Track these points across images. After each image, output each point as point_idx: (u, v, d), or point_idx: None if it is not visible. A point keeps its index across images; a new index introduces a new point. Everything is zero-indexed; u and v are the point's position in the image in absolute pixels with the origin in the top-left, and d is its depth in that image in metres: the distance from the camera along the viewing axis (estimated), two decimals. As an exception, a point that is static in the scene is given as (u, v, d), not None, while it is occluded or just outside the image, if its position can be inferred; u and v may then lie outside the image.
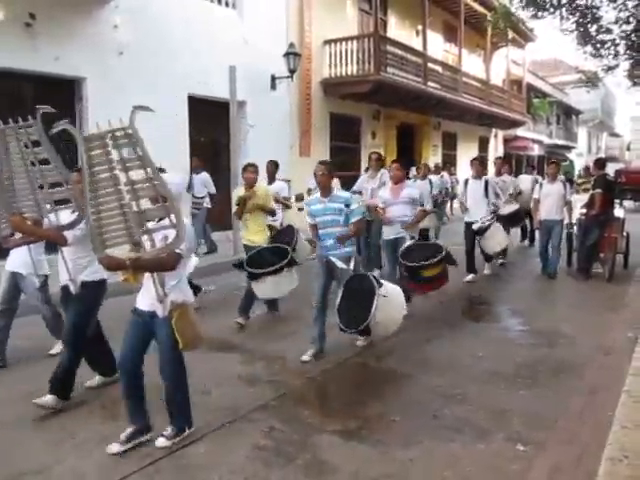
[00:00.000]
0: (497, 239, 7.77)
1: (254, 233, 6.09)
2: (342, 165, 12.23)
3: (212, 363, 4.73)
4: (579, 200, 9.64)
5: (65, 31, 8.39)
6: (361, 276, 4.78)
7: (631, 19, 11.32)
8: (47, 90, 8.51)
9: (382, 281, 4.66)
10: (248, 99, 11.50)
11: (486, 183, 8.02)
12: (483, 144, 24.66)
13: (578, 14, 11.42)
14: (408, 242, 5.84)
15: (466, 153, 22.75)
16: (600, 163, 8.69)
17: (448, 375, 4.48)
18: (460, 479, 2.99)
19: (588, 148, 44.66)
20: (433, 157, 18.82)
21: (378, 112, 16.35)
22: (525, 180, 10.76)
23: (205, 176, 10.04)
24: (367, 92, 13.90)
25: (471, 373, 4.53)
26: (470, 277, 8.02)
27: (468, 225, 8.04)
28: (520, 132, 27.11)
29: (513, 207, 8.77)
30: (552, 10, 11.34)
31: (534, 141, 29.95)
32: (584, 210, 8.43)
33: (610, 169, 11.71)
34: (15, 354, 4.79)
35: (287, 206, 7.46)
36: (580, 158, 39.93)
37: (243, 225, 6.33)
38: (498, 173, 10.07)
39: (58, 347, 4.75)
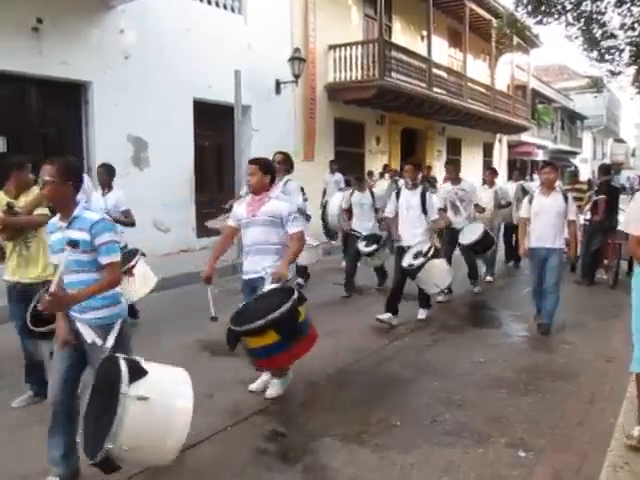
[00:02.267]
0: (434, 278, 5.90)
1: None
2: (346, 170, 12.26)
3: (214, 367, 4.75)
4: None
5: (71, 35, 8.45)
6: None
7: (636, 25, 11.35)
8: (53, 94, 8.58)
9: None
10: (253, 104, 11.56)
11: (423, 195, 6.05)
12: (487, 149, 24.66)
13: (583, 20, 11.44)
14: (269, 285, 3.83)
15: (471, 158, 22.78)
16: (604, 169, 8.69)
17: (449, 380, 4.48)
18: (460, 484, 2.99)
19: (593, 154, 44.57)
20: (437, 162, 18.84)
21: (382, 117, 16.39)
22: (509, 189, 9.65)
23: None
24: (371, 97, 13.94)
25: (472, 378, 4.54)
26: (386, 317, 5.93)
27: (400, 252, 6.05)
28: (525, 137, 27.09)
29: (476, 232, 7.07)
30: (557, 16, 11.37)
31: (538, 147, 29.93)
32: (588, 216, 8.43)
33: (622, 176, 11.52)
34: None
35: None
36: (585, 164, 39.86)
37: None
38: (492, 183, 8.89)
39: None
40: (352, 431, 3.59)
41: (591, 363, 4.84)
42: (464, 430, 3.59)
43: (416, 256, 5.80)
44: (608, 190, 8.15)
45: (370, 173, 15.46)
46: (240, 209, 4.24)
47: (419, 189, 6.12)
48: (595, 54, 12.22)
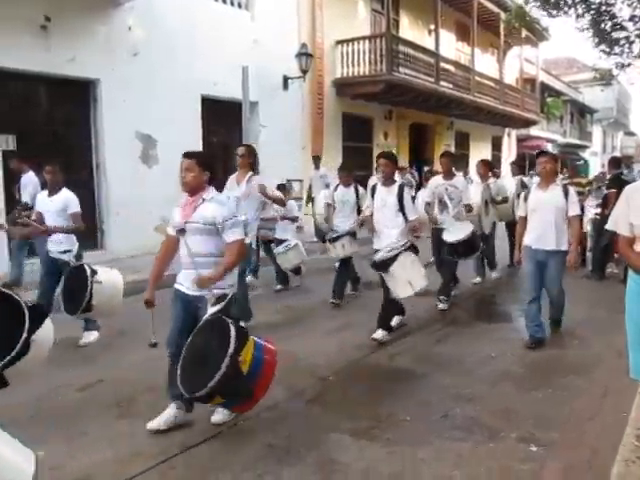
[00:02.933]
0: (409, 274, 5.02)
1: None
2: (354, 165, 12.23)
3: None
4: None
5: (79, 33, 8.49)
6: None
7: (646, 17, 11.23)
8: (61, 91, 8.63)
9: None
10: (260, 99, 11.56)
11: (400, 192, 5.35)
12: (496, 143, 24.52)
13: (593, 12, 11.35)
14: (211, 309, 3.39)
15: (479, 153, 22.66)
16: (615, 162, 8.61)
17: (459, 375, 4.47)
18: (470, 479, 2.99)
19: (603, 147, 44.19)
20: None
21: (390, 112, 16.33)
22: (506, 184, 8.82)
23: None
24: (379, 92, 13.90)
25: (482, 373, 4.52)
26: (379, 335, 5.30)
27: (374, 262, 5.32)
28: (534, 131, 26.91)
29: (464, 231, 6.29)
30: (567, 8, 11.29)
31: (548, 140, 29.71)
32: (599, 210, 8.36)
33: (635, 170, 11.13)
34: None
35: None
36: (595, 157, 39.53)
37: None
38: (485, 176, 8.15)
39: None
40: (362, 426, 3.60)
41: (602, 357, 4.80)
42: (474, 425, 3.58)
43: (390, 250, 5.15)
44: (619, 184, 8.07)
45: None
46: (175, 213, 3.68)
47: (395, 186, 5.45)
48: (604, 46, 12.11)
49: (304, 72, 12.29)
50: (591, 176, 18.55)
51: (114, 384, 4.31)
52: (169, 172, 9.67)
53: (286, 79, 12.42)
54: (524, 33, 20.80)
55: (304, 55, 12.14)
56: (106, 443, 3.39)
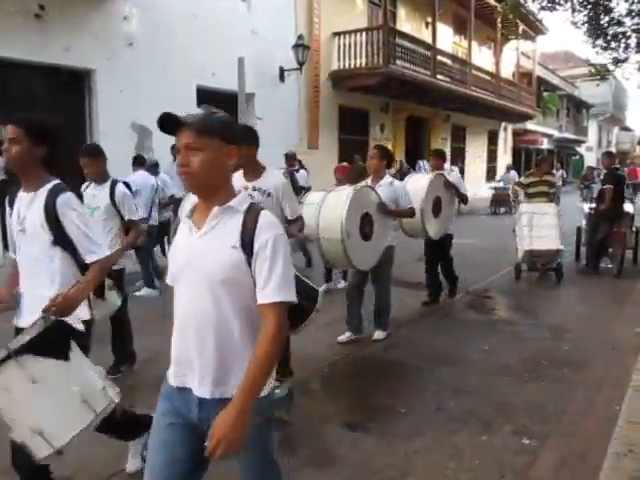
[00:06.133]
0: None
1: None
2: (350, 158, 12.21)
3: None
4: (527, 208, 7.34)
5: (75, 22, 8.40)
6: None
7: (643, 12, 11.22)
8: (57, 82, 8.55)
9: None
10: (256, 91, 11.50)
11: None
12: (492, 137, 24.55)
13: (590, 6, 11.33)
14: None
15: (475, 146, 22.68)
16: (610, 157, 8.62)
17: (454, 368, 4.49)
18: (465, 471, 3.01)
19: (598, 142, 44.29)
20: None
21: (387, 105, 16.30)
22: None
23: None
24: (376, 85, 13.87)
25: (477, 366, 4.54)
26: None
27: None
28: (530, 126, 26.96)
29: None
30: (563, 2, 11.26)
31: (544, 135, 29.76)
32: (593, 205, 8.38)
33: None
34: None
35: None
36: (590, 152, 39.63)
37: None
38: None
39: None
40: (357, 418, 3.61)
41: (596, 351, 4.83)
42: (469, 417, 3.60)
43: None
44: (614, 179, 8.10)
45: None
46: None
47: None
48: (601, 41, 12.10)
49: (301, 64, 12.23)
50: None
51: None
52: (164, 164, 9.68)
53: (282, 71, 12.37)
54: (521, 27, 20.78)
55: (301, 47, 12.09)
56: (98, 436, 3.37)
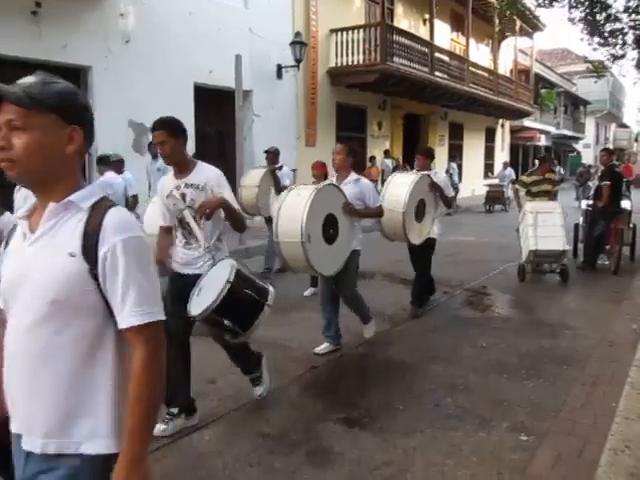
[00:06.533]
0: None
1: None
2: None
3: (217, 351, 4.75)
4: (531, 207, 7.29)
5: (71, 19, 8.37)
6: None
7: (640, 8, 11.21)
8: (53, 79, 8.52)
9: None
10: (254, 88, 11.49)
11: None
12: (490, 134, 24.56)
13: (587, 3, 11.31)
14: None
15: (472, 143, 22.68)
16: (608, 154, 8.63)
17: (451, 365, 4.49)
18: (462, 468, 3.01)
19: (596, 139, 44.34)
20: (440, 147, 18.78)
21: (384, 102, 16.30)
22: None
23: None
24: (373, 82, 13.86)
25: (474, 363, 4.55)
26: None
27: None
28: (527, 122, 26.96)
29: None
30: (560, -1, 11.25)
31: (541, 132, 29.77)
32: (591, 202, 8.39)
33: None
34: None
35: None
36: (587, 149, 39.67)
37: None
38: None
39: None
40: (355, 415, 3.61)
41: (593, 348, 4.83)
42: (466, 414, 3.60)
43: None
44: (612, 176, 8.10)
45: (372, 158, 15.42)
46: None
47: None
48: (598, 38, 12.09)
49: (298, 61, 12.21)
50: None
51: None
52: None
53: (280, 68, 12.34)
54: (518, 23, 20.76)
55: (298, 44, 12.07)
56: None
